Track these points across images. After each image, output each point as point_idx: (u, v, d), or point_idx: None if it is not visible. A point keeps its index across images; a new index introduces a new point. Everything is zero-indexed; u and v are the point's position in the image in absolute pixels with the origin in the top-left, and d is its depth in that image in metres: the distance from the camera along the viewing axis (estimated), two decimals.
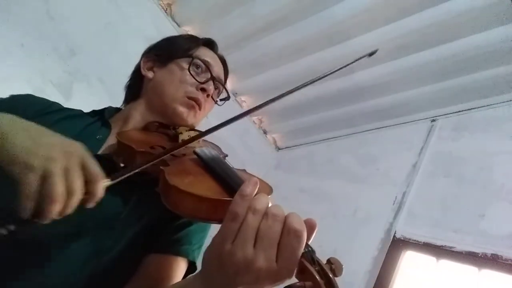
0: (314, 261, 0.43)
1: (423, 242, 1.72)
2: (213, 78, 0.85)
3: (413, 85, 2.10)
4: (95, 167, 0.50)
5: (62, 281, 0.60)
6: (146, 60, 0.88)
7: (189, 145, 0.67)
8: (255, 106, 0.66)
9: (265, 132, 2.91)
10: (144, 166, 0.55)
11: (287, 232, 0.42)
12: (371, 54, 0.74)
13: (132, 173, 0.54)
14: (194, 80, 0.82)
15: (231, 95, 2.62)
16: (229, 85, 2.64)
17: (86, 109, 0.87)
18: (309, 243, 0.45)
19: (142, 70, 0.87)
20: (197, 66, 0.84)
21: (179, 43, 0.88)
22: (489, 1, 1.61)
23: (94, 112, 0.85)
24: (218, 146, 0.84)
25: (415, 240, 1.75)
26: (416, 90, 2.11)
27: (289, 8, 2.00)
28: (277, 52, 2.26)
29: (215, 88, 0.89)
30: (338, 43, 2.06)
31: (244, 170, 0.70)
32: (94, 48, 1.95)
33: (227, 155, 0.80)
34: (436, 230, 1.72)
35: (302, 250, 0.42)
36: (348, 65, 0.75)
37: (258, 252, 0.41)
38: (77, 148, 0.51)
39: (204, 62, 0.85)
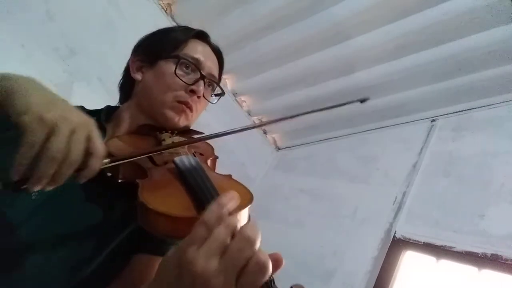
0: None
1: (423, 242, 1.72)
2: (202, 77, 0.80)
3: (413, 85, 2.10)
4: (99, 143, 0.51)
5: None
6: (135, 60, 0.84)
7: (175, 151, 0.66)
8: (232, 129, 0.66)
9: (265, 132, 2.91)
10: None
11: (255, 263, 0.38)
12: (362, 101, 0.70)
13: (128, 160, 0.57)
14: (183, 83, 0.78)
15: (231, 95, 2.65)
16: (229, 85, 2.65)
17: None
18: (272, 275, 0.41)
19: (131, 71, 0.83)
20: (186, 66, 0.80)
21: (167, 39, 0.83)
22: (490, 1, 1.61)
23: (92, 113, 0.81)
24: (211, 146, 0.81)
25: (415, 240, 1.75)
26: (416, 90, 2.11)
27: (289, 8, 2.00)
28: (277, 52, 2.26)
29: (208, 85, 0.85)
30: (338, 43, 2.06)
31: (229, 176, 0.66)
32: (94, 48, 1.95)
33: (217, 157, 0.78)
34: (436, 230, 1.72)
35: (262, 283, 0.38)
36: (339, 105, 0.73)
37: (220, 271, 0.37)
38: (89, 121, 0.52)
39: (193, 60, 0.80)
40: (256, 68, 2.43)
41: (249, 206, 0.52)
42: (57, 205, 0.63)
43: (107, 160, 0.53)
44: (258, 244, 0.39)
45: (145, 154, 0.61)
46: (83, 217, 0.63)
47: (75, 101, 0.87)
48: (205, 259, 0.38)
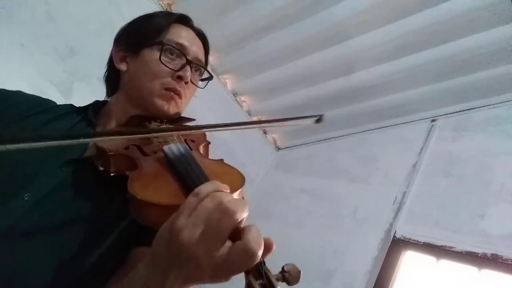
0: (260, 274, 0.39)
1: (423, 242, 1.72)
2: (189, 63, 0.79)
3: (413, 85, 2.10)
4: None
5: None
6: (118, 50, 0.82)
7: (164, 139, 0.66)
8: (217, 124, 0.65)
9: (265, 132, 2.91)
10: None
11: (242, 250, 0.38)
12: (318, 121, 0.68)
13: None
14: (169, 69, 0.76)
15: (231, 95, 2.65)
16: (229, 85, 2.66)
17: None
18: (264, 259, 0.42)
19: (115, 62, 0.81)
20: (171, 52, 0.78)
21: (148, 26, 0.81)
22: (489, 1, 1.61)
23: (80, 109, 0.81)
24: (203, 132, 0.80)
25: (415, 240, 1.75)
26: (416, 90, 2.11)
27: (289, 8, 2.00)
28: (277, 52, 2.26)
29: (195, 70, 0.84)
30: (338, 43, 2.06)
31: (221, 160, 0.67)
32: (94, 48, 1.95)
33: (209, 142, 0.78)
34: (436, 230, 1.72)
35: (248, 267, 0.39)
36: (292, 119, 0.72)
37: (201, 240, 0.39)
38: None
39: (177, 46, 0.78)
40: (256, 68, 2.43)
41: (241, 189, 0.53)
42: (51, 203, 0.62)
43: None
44: (238, 216, 0.40)
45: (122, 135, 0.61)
46: (77, 213, 0.63)
47: (75, 101, 0.87)
48: (191, 228, 0.39)
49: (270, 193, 2.58)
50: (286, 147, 2.92)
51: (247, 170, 2.65)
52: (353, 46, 2.03)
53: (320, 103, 2.44)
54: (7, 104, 0.74)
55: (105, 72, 0.88)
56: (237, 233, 0.40)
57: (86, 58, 1.94)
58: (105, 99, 0.89)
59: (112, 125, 0.79)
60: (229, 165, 0.64)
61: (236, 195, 0.51)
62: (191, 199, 0.42)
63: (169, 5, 2.27)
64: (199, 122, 0.87)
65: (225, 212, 0.40)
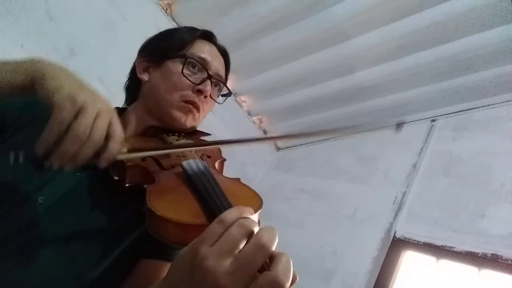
0: None
1: (423, 242, 1.72)
2: (209, 77, 0.80)
3: (413, 85, 2.10)
4: (119, 128, 0.55)
5: None
6: (141, 60, 0.84)
7: (182, 154, 0.66)
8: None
9: (265, 132, 2.91)
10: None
11: (272, 281, 0.37)
12: (398, 126, 0.62)
13: (149, 154, 0.62)
14: (190, 82, 0.78)
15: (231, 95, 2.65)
16: (229, 85, 2.65)
17: None
18: None
19: (137, 72, 0.83)
20: (193, 65, 0.80)
21: (173, 39, 0.83)
22: (489, 1, 1.61)
23: None
24: (218, 148, 0.80)
25: (415, 240, 1.75)
26: (416, 90, 2.11)
27: (289, 8, 2.00)
28: (277, 52, 2.26)
29: (215, 85, 0.85)
30: (338, 43, 2.06)
31: (238, 180, 0.66)
32: (94, 48, 1.95)
33: (225, 159, 0.78)
34: (436, 230, 1.72)
35: None
36: (371, 129, 0.71)
37: (230, 273, 0.37)
38: (111, 108, 0.56)
39: (200, 60, 0.80)
40: (256, 68, 2.43)
41: (259, 211, 0.51)
42: (63, 208, 0.62)
43: (125, 149, 0.55)
44: (272, 250, 0.39)
45: (162, 150, 0.63)
46: (90, 221, 0.63)
47: None
48: (216, 257, 0.38)
49: (270, 193, 2.57)
50: (286, 147, 2.92)
51: (247, 170, 2.65)
52: (353, 46, 2.03)
53: (320, 103, 2.44)
54: (20, 106, 0.74)
55: (126, 81, 0.90)
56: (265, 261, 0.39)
57: (86, 58, 1.94)
58: (124, 106, 0.90)
59: (128, 133, 0.79)
60: (246, 186, 0.63)
61: (254, 217, 0.50)
62: (216, 226, 0.40)
63: (169, 5, 2.27)
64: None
65: (260, 247, 0.38)
